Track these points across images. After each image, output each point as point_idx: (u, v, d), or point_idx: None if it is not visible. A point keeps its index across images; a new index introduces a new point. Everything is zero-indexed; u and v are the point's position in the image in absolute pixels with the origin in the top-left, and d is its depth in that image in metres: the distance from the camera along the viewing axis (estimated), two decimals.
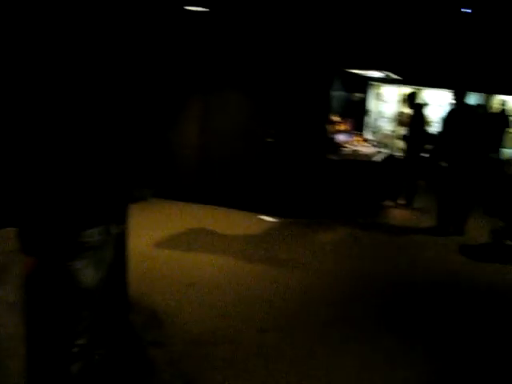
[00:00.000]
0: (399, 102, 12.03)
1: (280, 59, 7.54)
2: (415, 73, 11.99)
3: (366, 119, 11.21)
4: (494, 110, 15.09)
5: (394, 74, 9.26)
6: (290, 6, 7.31)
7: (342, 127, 9.24)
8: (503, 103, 14.43)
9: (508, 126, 14.49)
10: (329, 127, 8.29)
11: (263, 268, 5.82)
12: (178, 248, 6.26)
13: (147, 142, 8.13)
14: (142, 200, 8.09)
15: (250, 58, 7.72)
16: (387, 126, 11.94)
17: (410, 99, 9.29)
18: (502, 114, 14.26)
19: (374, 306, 5.06)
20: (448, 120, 7.53)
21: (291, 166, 7.75)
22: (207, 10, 6.96)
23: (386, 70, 8.56)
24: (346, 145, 8.84)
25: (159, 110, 8.23)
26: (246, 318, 4.56)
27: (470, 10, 15.18)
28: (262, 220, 7.66)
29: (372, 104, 11.65)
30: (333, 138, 8.49)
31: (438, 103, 12.98)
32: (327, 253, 6.57)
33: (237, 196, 8.06)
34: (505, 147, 14.51)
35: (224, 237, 6.81)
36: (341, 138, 8.90)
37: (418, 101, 9.44)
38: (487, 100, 14.93)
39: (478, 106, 12.65)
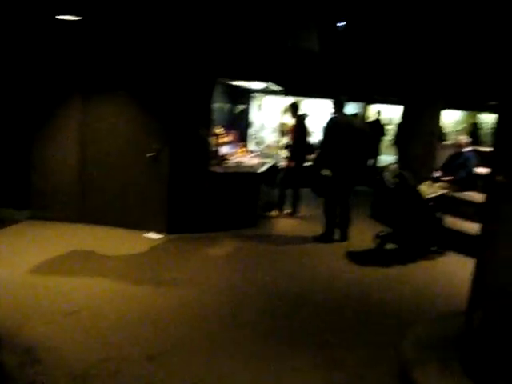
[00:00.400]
0: (281, 112, 12.21)
1: (160, 70, 7.32)
2: (295, 83, 12.22)
3: (250, 130, 11.25)
4: (370, 119, 15.80)
5: (275, 84, 9.33)
6: (171, 17, 7.13)
7: (226, 139, 9.17)
8: (379, 112, 15.12)
9: (383, 134, 15.21)
10: (212, 139, 8.18)
11: (149, 289, 5.52)
12: (56, 274, 5.80)
13: (14, 158, 7.62)
14: (14, 223, 7.52)
15: (129, 70, 7.44)
16: (270, 137, 12.06)
17: (293, 109, 9.40)
18: (378, 122, 14.95)
19: (265, 321, 4.95)
20: (328, 129, 7.67)
21: (175, 180, 7.53)
22: (80, 18, 6.60)
23: (266, 81, 8.59)
24: (230, 157, 8.78)
25: (30, 121, 7.70)
26: (132, 345, 4.26)
27: (343, 23, 15.83)
28: (148, 238, 7.35)
29: (255, 115, 11.72)
30: (217, 151, 8.39)
31: (318, 113, 13.33)
32: (215, 268, 6.40)
33: (121, 214, 7.70)
34: (380, 154, 15.21)
35: (107, 258, 6.42)
36: (225, 150, 8.83)
37: (300, 111, 9.57)
38: (364, 109, 15.58)
39: (355, 114, 13.15)
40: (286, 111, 9.85)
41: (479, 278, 3.69)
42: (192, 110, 7.52)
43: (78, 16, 6.64)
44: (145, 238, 7.34)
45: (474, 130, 15.04)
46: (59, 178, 7.83)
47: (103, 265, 6.18)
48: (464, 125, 17.22)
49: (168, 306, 5.13)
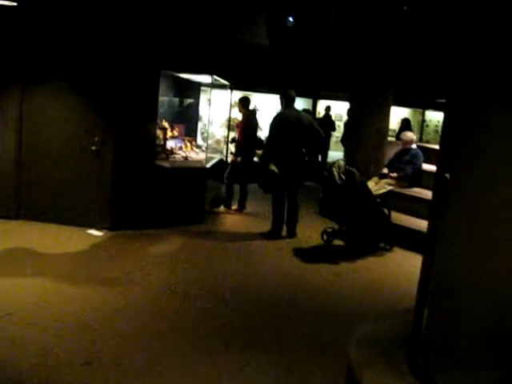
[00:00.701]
0: (230, 106, 12.05)
1: (103, 61, 7.05)
2: (244, 78, 12.09)
3: (199, 124, 11.04)
4: (319, 115, 15.82)
5: (222, 78, 9.16)
6: (114, 7, 6.87)
7: (173, 133, 8.96)
8: (328, 108, 15.15)
9: (333, 129, 15.25)
10: (158, 133, 7.96)
11: (87, 289, 5.27)
12: None
13: None
14: None
15: (71, 60, 7.12)
16: (219, 131, 11.88)
17: (242, 104, 9.24)
18: (327, 118, 14.97)
19: (209, 322, 4.79)
20: (274, 124, 7.55)
21: (119, 174, 7.26)
22: (15, 4, 6.25)
23: (211, 74, 8.39)
24: (177, 151, 8.57)
25: None
26: (68, 350, 4.01)
27: (291, 20, 15.83)
28: (90, 235, 7.05)
29: (204, 109, 11.51)
30: (163, 145, 8.16)
31: (268, 107, 13.24)
32: (160, 266, 6.17)
33: (62, 210, 7.34)
34: (330, 150, 15.25)
35: (46, 256, 6.11)
36: (172, 144, 8.61)
37: (250, 105, 9.42)
38: (314, 105, 15.59)
39: (308, 111, 13.11)
40: (236, 105, 9.69)
41: (427, 275, 3.63)
42: (137, 103, 7.26)
43: (13, 1, 6.28)
44: (86, 234, 7.05)
45: (405, 127, 14.90)
46: None
47: (40, 263, 5.87)
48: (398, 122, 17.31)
49: (106, 307, 4.90)
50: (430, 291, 3.52)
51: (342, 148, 13.93)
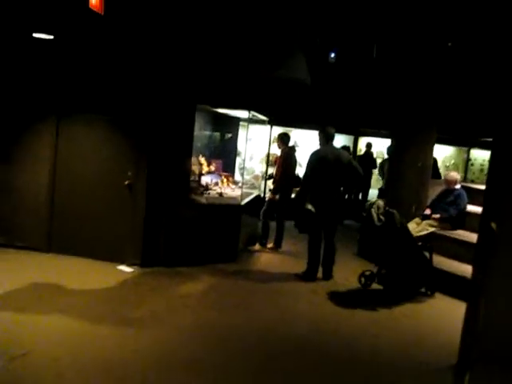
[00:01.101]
0: (269, 142, 11.93)
1: (139, 95, 7.02)
2: (284, 114, 11.98)
3: (236, 160, 10.92)
4: (361, 152, 15.51)
5: (261, 114, 9.04)
6: (149, 42, 6.86)
7: (210, 168, 8.83)
8: (369, 145, 14.83)
9: (374, 167, 14.89)
10: (194, 168, 7.84)
11: (111, 329, 5.06)
12: (10, 308, 5.32)
13: None
14: None
15: (108, 94, 7.13)
16: (257, 167, 11.75)
17: (281, 140, 9.08)
18: (368, 155, 14.64)
19: (240, 371, 4.52)
20: (311, 162, 7.32)
21: (151, 210, 7.15)
22: (52, 37, 6.29)
23: (248, 109, 8.27)
24: (213, 187, 8.42)
25: None
26: None
27: (334, 55, 15.77)
28: (120, 271, 6.91)
29: (242, 145, 11.42)
30: (198, 180, 8.04)
31: (308, 144, 13.05)
32: (189, 306, 5.95)
33: (93, 244, 7.26)
34: (371, 188, 14.88)
35: (73, 292, 5.98)
36: (207, 179, 8.47)
37: (289, 142, 9.25)
38: (354, 142, 15.32)
39: (348, 148, 12.85)
40: (274, 142, 9.53)
41: (470, 332, 3.32)
42: (172, 137, 7.18)
43: (52, 35, 6.31)
44: (116, 270, 6.91)
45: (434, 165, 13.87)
46: (25, 202, 7.42)
47: (66, 299, 5.73)
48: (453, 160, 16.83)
49: (129, 349, 4.67)
50: (473, 351, 3.21)
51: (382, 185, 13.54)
